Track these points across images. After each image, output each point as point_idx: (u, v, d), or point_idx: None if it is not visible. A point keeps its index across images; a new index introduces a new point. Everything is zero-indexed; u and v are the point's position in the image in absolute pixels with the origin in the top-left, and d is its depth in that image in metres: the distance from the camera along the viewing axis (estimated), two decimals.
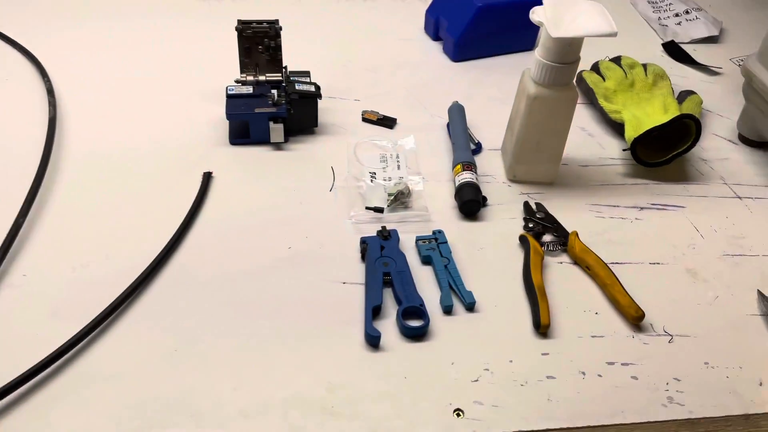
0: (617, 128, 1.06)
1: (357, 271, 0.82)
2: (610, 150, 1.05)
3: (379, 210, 0.89)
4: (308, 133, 1.03)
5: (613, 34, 0.81)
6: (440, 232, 0.86)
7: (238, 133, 1.01)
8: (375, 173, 0.96)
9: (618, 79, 1.11)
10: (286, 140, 1.01)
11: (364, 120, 1.07)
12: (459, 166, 0.94)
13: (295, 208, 0.90)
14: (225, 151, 0.99)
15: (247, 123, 0.98)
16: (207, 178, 0.93)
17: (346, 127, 1.06)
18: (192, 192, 0.90)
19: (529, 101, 0.88)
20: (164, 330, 0.73)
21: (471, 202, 0.89)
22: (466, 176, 0.92)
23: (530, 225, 0.88)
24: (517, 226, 0.90)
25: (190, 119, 1.04)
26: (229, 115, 0.97)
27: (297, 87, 0.99)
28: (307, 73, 1.03)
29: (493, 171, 0.99)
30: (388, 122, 1.06)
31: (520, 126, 0.91)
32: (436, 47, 1.26)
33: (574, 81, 0.89)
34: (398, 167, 0.98)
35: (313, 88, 1.00)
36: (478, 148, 1.03)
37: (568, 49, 0.84)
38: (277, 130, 0.97)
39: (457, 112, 1.04)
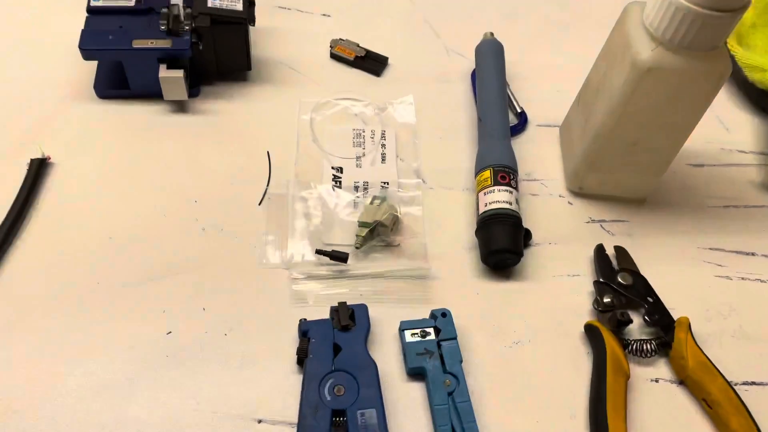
0: (757, 97, 0.64)
1: (287, 393, 0.44)
2: (741, 136, 0.63)
3: (341, 258, 0.50)
4: (233, 80, 0.61)
5: None
6: (445, 315, 0.47)
7: (110, 79, 0.59)
8: (340, 171, 0.56)
9: (761, 5, 0.66)
10: (193, 94, 0.59)
11: (334, 57, 0.64)
12: (487, 173, 0.53)
13: (189, 241, 0.51)
14: (86, 110, 0.58)
15: (121, 65, 0.56)
16: (37, 168, 0.52)
17: (300, 70, 0.63)
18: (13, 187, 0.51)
19: (638, 73, 0.45)
20: None
21: (503, 254, 0.50)
22: (500, 197, 0.51)
23: (606, 299, 0.50)
24: (581, 293, 0.51)
25: (28, 52, 0.62)
26: (85, 51, 0.54)
27: (211, 2, 0.56)
28: None
29: (544, 170, 0.58)
30: (372, 64, 0.63)
31: (608, 111, 0.49)
32: None
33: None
34: (383, 158, 0.57)
35: (239, 5, 0.56)
36: (521, 123, 0.61)
37: None
38: (172, 82, 0.55)
39: (490, 56, 0.61)
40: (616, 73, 0.48)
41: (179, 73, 0.55)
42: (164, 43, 0.55)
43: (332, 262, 0.50)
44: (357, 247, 0.50)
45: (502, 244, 0.49)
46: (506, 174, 0.52)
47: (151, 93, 0.56)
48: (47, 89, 0.59)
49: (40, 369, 0.44)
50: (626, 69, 0.46)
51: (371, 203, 0.52)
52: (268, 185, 0.54)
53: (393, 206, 0.52)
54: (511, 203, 0.51)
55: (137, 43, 0.54)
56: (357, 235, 0.50)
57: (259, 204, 0.53)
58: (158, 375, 0.44)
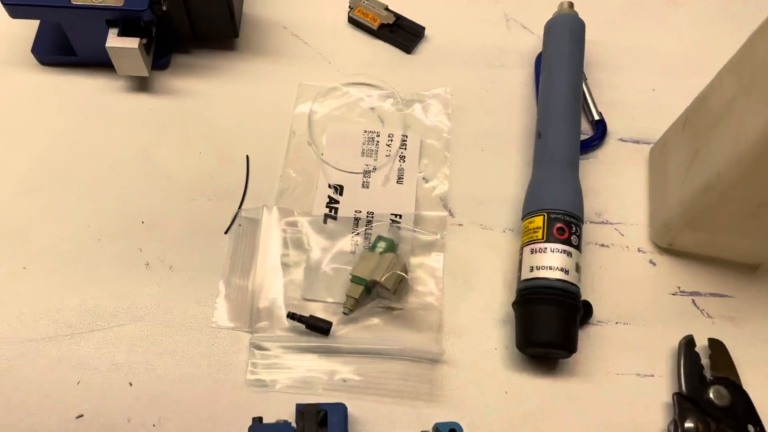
0: None
1: None
2: None
3: (321, 329, 0.36)
4: (215, 48, 0.46)
5: None
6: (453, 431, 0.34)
7: (53, 41, 0.45)
8: (339, 191, 0.41)
9: None
10: (161, 66, 0.45)
11: (353, 23, 0.48)
12: (539, 220, 0.37)
13: (126, 280, 0.38)
14: (21, 79, 0.45)
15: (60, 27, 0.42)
16: None
17: (306, 38, 0.47)
18: None
19: None
20: None
21: (547, 347, 0.35)
22: (553, 261, 0.36)
23: (688, 424, 0.35)
24: (655, 405, 0.36)
25: None
26: (10, 7, 0.40)
27: None
28: None
29: (621, 209, 0.42)
30: (402, 36, 0.47)
31: (733, 158, 0.32)
32: None
33: None
34: (399, 176, 0.42)
35: None
36: (597, 136, 0.44)
37: None
38: (125, 54, 0.41)
39: (564, 39, 0.44)
40: (753, 104, 0.31)
41: (134, 43, 0.40)
42: (115, 1, 0.40)
43: (311, 333, 0.36)
44: (345, 313, 0.37)
45: (547, 336, 0.35)
46: (566, 226, 0.37)
47: (105, 61, 0.42)
48: None
49: None
50: None
51: (373, 248, 0.38)
52: (241, 205, 0.40)
53: (401, 260, 0.37)
54: (568, 272, 0.36)
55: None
56: (348, 296, 0.37)
57: (226, 232, 0.40)
58: None
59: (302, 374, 0.36)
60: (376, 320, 0.37)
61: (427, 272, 0.39)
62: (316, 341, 0.36)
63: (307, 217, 0.40)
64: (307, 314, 0.37)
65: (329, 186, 0.41)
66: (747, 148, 0.31)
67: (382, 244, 0.38)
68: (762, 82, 0.31)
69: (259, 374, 0.35)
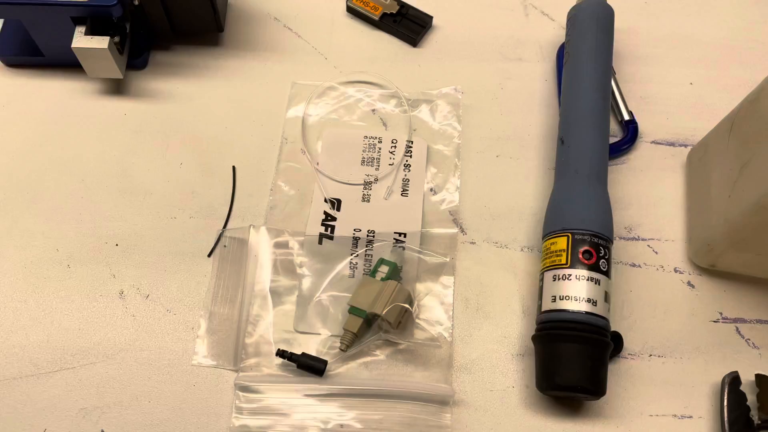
0: None
1: None
2: None
3: (314, 368, 0.32)
4: (198, 44, 0.42)
5: None
6: None
7: (18, 41, 0.40)
8: (337, 206, 0.37)
9: None
10: (137, 66, 0.40)
11: (352, 12, 0.43)
12: (562, 242, 0.33)
13: (97, 311, 0.34)
14: None
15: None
16: None
17: (299, 30, 0.42)
18: None
19: None
20: None
21: (572, 391, 0.31)
22: (578, 291, 0.31)
23: None
24: None
25: None
26: None
27: None
28: None
29: (655, 223, 0.37)
30: (408, 27, 0.42)
31: None
32: None
33: None
34: (404, 187, 0.37)
35: None
36: (628, 138, 0.39)
37: None
38: (93, 55, 0.37)
39: (591, 29, 0.38)
40: None
41: (103, 43, 0.36)
42: None
43: (302, 373, 0.32)
44: (342, 349, 0.32)
45: (573, 380, 0.30)
46: (594, 249, 0.32)
47: (75, 62, 0.38)
48: None
49: None
50: None
51: (373, 273, 0.34)
52: (226, 224, 0.36)
53: (405, 289, 0.33)
54: (596, 302, 0.31)
55: None
56: (345, 330, 0.32)
57: (209, 255, 0.35)
58: None
59: (294, 421, 0.31)
60: (377, 356, 0.33)
61: (436, 300, 0.34)
62: (310, 382, 0.32)
63: (300, 237, 0.35)
64: (299, 351, 0.32)
65: (325, 200, 0.37)
66: None
67: (384, 269, 0.34)
68: None
69: (244, 420, 0.31)
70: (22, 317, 0.34)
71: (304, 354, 0.32)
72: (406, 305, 0.32)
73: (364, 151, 0.38)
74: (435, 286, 0.35)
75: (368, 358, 0.33)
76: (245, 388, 0.32)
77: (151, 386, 0.32)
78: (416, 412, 0.32)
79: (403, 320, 0.33)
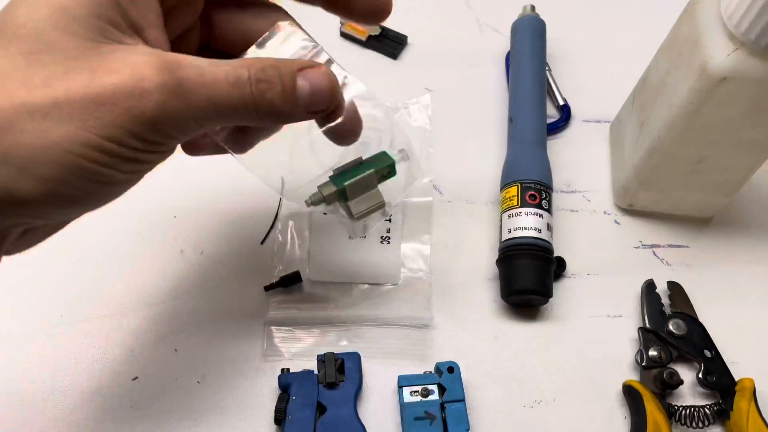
0: None
1: None
2: None
3: (292, 279, 0.42)
4: None
5: None
6: (452, 370, 0.40)
7: None
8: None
9: None
10: None
11: (344, 36, 0.55)
12: (513, 190, 0.44)
13: (165, 265, 0.45)
14: None
15: None
16: None
17: None
18: None
19: (708, 82, 0.35)
20: None
21: (527, 294, 0.42)
22: (527, 222, 0.42)
23: (651, 352, 0.41)
24: (623, 340, 0.42)
25: None
26: None
27: None
28: None
29: (588, 179, 0.49)
30: (389, 45, 0.54)
31: (668, 123, 0.39)
32: None
33: None
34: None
35: None
36: (563, 118, 0.51)
37: None
38: None
39: (527, 39, 0.50)
40: (681, 77, 0.37)
41: None
42: None
43: (308, 307, 0.42)
44: (307, 203, 0.35)
45: (526, 284, 0.41)
46: (537, 192, 0.43)
47: None
48: None
49: None
50: (694, 74, 0.36)
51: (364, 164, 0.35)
52: (276, 219, 0.46)
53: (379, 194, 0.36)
54: (540, 230, 0.42)
55: None
56: (318, 189, 0.35)
57: (262, 243, 0.45)
58: (122, 428, 0.39)
59: (309, 345, 0.41)
60: (371, 298, 0.43)
61: (418, 253, 0.45)
62: (321, 314, 0.42)
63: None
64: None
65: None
66: (677, 113, 0.38)
67: (370, 168, 0.35)
68: (685, 57, 0.37)
69: (273, 347, 0.41)
70: (108, 270, 0.44)
71: (281, 277, 0.43)
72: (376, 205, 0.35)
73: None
74: (418, 246, 0.44)
75: (365, 300, 0.43)
76: (272, 322, 0.42)
77: (211, 318, 0.42)
78: (407, 332, 0.42)
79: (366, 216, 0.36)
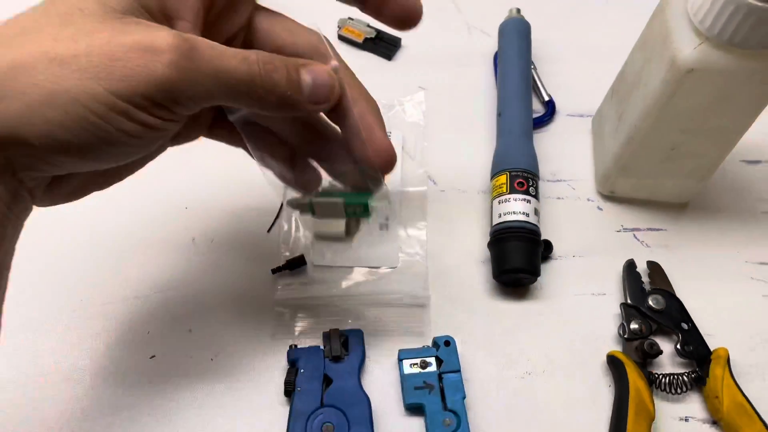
0: None
1: (273, 428, 0.41)
2: None
3: (297, 262, 0.45)
4: None
5: None
6: (448, 343, 0.43)
7: None
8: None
9: None
10: None
11: (342, 39, 0.58)
12: (503, 178, 0.47)
13: (177, 253, 0.48)
14: None
15: None
16: None
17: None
18: None
19: (677, 73, 0.38)
20: None
21: (516, 274, 0.45)
22: (515, 207, 0.46)
23: (633, 326, 0.44)
24: (607, 316, 0.46)
25: None
26: None
27: None
28: None
29: (572, 169, 0.52)
30: (384, 47, 0.57)
31: (643, 113, 0.42)
32: None
33: None
34: None
35: None
36: (548, 113, 0.54)
37: None
38: None
39: (513, 39, 0.54)
40: (653, 70, 0.41)
41: None
42: None
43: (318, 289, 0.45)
44: (287, 203, 0.38)
45: (516, 264, 0.44)
46: (525, 180, 0.46)
47: None
48: None
49: (16, 393, 0.42)
50: (665, 67, 0.39)
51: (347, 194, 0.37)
52: (280, 210, 0.49)
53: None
54: (528, 214, 0.45)
55: None
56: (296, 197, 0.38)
57: (268, 231, 0.48)
58: (140, 403, 0.42)
59: (315, 323, 0.44)
60: (372, 280, 0.46)
61: (414, 239, 0.48)
62: (325, 295, 0.45)
63: None
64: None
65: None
66: (651, 103, 0.41)
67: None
68: (657, 51, 0.41)
69: (283, 324, 0.44)
70: (125, 258, 0.47)
71: (288, 260, 0.46)
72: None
73: None
74: (414, 232, 0.48)
75: (362, 279, 0.46)
76: (282, 303, 0.45)
77: (222, 300, 0.45)
78: (404, 310, 0.45)
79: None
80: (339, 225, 0.37)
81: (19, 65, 0.26)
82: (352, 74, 0.35)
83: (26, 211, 0.30)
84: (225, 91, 0.29)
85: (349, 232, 0.36)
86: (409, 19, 0.34)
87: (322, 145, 0.37)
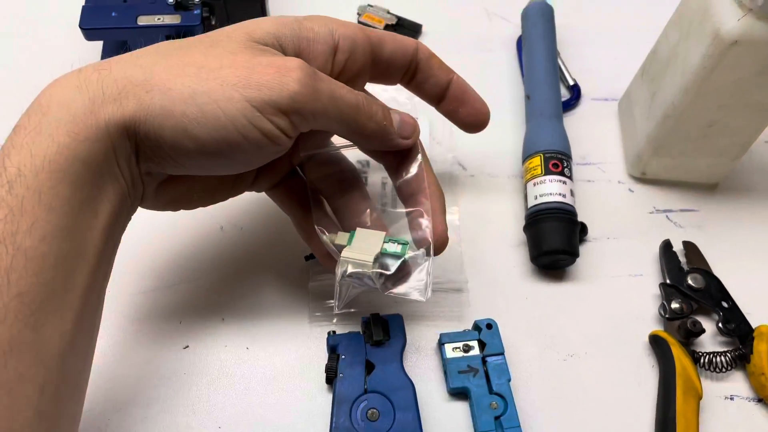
0: None
1: (315, 416, 0.40)
2: None
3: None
4: None
5: None
6: (490, 326, 0.42)
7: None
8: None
9: None
10: None
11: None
12: (537, 160, 0.47)
13: (206, 241, 0.46)
14: None
15: (126, 45, 0.51)
16: None
17: None
18: None
19: (720, 46, 0.38)
20: None
21: (556, 255, 0.44)
22: (552, 189, 0.45)
23: (674, 305, 0.43)
24: (645, 296, 0.45)
25: (26, 32, 0.57)
26: (86, 31, 0.49)
27: None
28: None
29: (600, 152, 0.52)
30: (405, 34, 0.57)
31: (681, 89, 0.42)
32: None
33: None
34: None
35: None
36: (574, 98, 0.54)
37: None
38: None
39: (538, 23, 0.54)
40: (692, 45, 0.41)
41: None
42: (172, 19, 0.49)
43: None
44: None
45: (555, 245, 0.43)
46: (559, 161, 0.46)
47: None
48: (48, 73, 0.54)
49: None
50: (706, 41, 0.39)
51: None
52: None
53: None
54: (564, 195, 0.45)
55: (143, 20, 0.48)
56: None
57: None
58: (176, 395, 0.41)
59: (353, 309, 0.43)
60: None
61: (449, 224, 0.47)
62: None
63: None
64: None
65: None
66: (691, 78, 0.41)
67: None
68: (695, 26, 0.40)
69: (320, 310, 0.43)
70: (154, 246, 0.45)
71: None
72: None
73: None
74: (448, 218, 0.47)
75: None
76: (316, 292, 0.44)
77: (254, 288, 0.44)
78: (440, 296, 0.44)
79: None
80: (370, 254, 0.37)
81: (170, 68, 0.30)
82: (430, 166, 0.39)
83: (134, 207, 0.34)
84: (337, 113, 0.33)
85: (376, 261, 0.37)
86: (479, 123, 0.42)
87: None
